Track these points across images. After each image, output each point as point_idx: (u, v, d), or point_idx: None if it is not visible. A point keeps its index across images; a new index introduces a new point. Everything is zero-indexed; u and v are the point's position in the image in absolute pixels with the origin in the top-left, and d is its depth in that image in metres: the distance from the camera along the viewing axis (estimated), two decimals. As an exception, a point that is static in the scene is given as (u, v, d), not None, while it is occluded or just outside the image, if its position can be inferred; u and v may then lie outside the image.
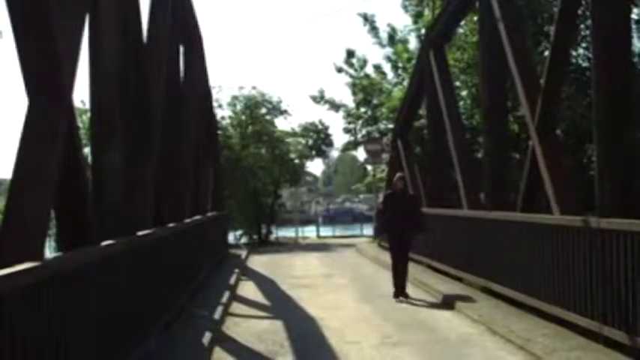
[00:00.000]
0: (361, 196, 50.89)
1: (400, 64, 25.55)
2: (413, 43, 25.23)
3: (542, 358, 6.60)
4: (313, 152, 31.63)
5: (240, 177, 25.70)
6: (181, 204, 11.61)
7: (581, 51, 16.96)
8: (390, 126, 23.99)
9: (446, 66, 14.81)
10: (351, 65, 28.22)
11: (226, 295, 11.14)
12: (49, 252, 7.52)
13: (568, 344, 6.80)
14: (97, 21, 6.73)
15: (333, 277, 14.46)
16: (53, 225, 6.12)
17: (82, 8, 6.14)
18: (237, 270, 15.00)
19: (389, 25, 29.24)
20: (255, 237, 27.64)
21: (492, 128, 11.50)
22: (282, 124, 29.62)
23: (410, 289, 11.04)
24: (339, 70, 28.29)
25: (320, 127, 31.61)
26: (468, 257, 11.25)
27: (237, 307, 10.67)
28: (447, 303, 10.07)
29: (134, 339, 6.48)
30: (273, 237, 28.53)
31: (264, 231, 28.12)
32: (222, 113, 27.50)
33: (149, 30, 9.44)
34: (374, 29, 26.49)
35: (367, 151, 25.99)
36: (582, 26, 15.48)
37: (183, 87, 12.75)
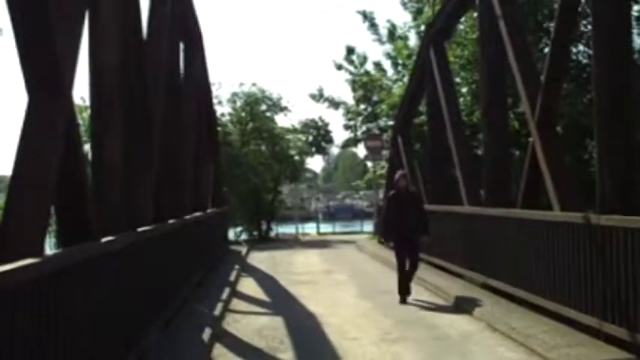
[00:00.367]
0: (361, 193, 50.78)
1: (400, 61, 25.50)
2: (413, 40, 25.22)
3: (542, 355, 6.61)
4: (313, 149, 31.57)
5: (240, 174, 25.69)
6: (182, 200, 11.62)
7: (581, 47, 16.92)
8: (390, 123, 23.99)
9: (446, 63, 14.82)
10: (351, 62, 28.14)
11: (226, 291, 11.15)
12: (49, 248, 7.53)
13: (568, 341, 6.80)
14: (97, 18, 6.74)
15: (333, 273, 14.47)
16: (53, 221, 6.12)
17: (82, 5, 6.14)
18: (237, 266, 15.02)
19: (389, 21, 29.25)
20: (255, 233, 27.63)
21: (492, 124, 11.49)
22: (282, 120, 29.69)
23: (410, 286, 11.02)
24: (339, 67, 28.22)
25: (320, 123, 31.54)
26: (468, 254, 11.25)
27: (237, 304, 10.67)
28: (448, 300, 10.09)
29: (135, 335, 6.49)
30: (273, 233, 28.52)
31: (264, 227, 28.10)
32: (222, 110, 27.51)
33: (149, 26, 9.44)
34: (373, 26, 26.41)
35: (367, 148, 25.98)
36: (583, 22, 15.47)
37: (183, 83, 12.75)
